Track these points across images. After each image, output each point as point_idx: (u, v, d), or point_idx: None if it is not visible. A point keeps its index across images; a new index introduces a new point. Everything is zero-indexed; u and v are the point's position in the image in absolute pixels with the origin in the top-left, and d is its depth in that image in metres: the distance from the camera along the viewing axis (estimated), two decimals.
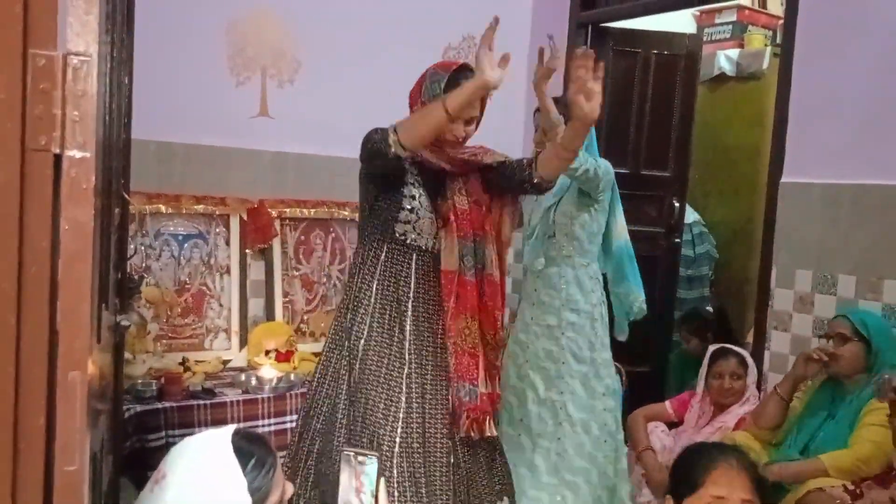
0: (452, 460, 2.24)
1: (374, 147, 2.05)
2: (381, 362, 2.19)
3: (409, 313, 2.22)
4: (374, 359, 2.19)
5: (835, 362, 2.45)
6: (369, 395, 2.17)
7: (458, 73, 2.13)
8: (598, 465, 2.85)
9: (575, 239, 2.89)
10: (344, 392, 2.22)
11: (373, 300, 2.22)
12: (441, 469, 2.21)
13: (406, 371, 2.20)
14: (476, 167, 2.26)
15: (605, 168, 2.84)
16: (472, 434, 2.23)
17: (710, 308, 4.50)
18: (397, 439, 2.16)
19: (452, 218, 2.22)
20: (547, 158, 2.18)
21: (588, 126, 2.04)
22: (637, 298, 3.02)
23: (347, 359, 2.23)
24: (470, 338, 2.22)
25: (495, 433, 2.31)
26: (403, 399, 2.18)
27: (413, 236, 2.22)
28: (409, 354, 2.21)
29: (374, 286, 2.22)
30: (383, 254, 2.23)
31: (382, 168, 2.12)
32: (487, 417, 2.24)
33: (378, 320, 2.22)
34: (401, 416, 2.17)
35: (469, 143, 2.26)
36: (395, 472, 2.12)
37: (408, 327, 2.22)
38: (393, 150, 2.01)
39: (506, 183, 2.26)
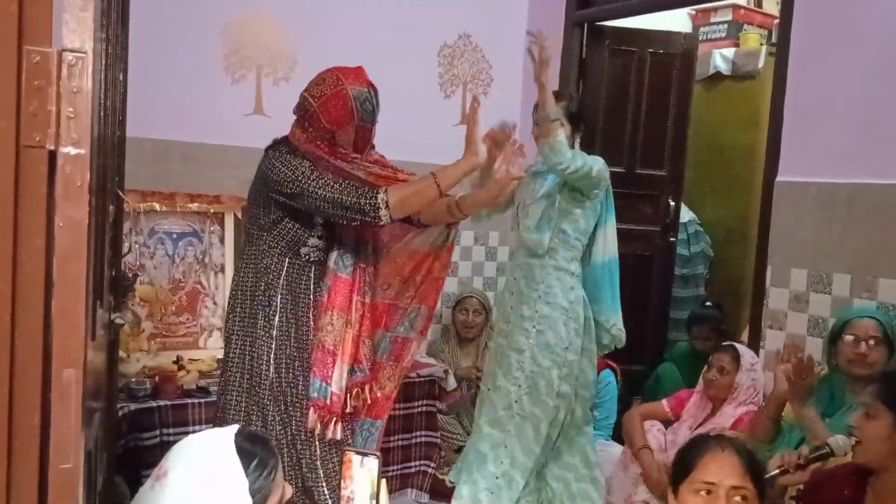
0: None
1: (358, 208, 2.06)
2: (292, 376, 2.22)
3: (311, 327, 2.23)
4: (284, 372, 2.21)
5: (868, 366, 2.42)
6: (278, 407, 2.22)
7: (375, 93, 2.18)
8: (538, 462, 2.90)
9: (561, 231, 2.88)
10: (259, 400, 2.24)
11: (277, 315, 2.21)
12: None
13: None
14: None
15: (600, 167, 2.82)
16: (317, 432, 2.21)
17: (709, 304, 4.47)
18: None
19: (347, 229, 2.26)
20: (437, 205, 2.22)
21: (491, 201, 2.25)
22: (613, 326, 2.96)
23: (263, 371, 2.22)
24: (332, 335, 2.21)
25: (339, 437, 2.25)
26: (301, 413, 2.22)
27: (316, 255, 2.25)
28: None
29: (279, 301, 2.22)
30: (284, 269, 2.22)
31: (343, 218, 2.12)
32: (334, 419, 2.22)
33: (285, 334, 2.22)
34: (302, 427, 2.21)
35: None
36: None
37: (310, 343, 2.23)
38: (383, 222, 2.08)
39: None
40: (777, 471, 2.03)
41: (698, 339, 3.97)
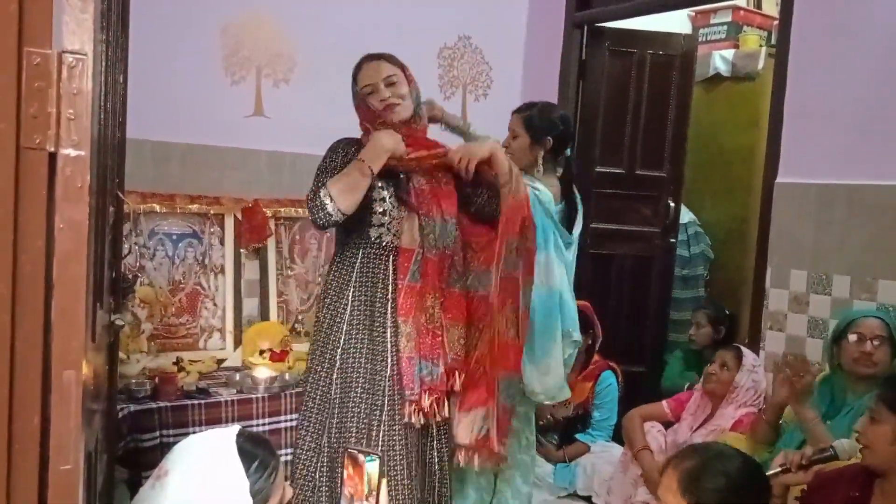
0: (426, 458, 2.26)
1: (315, 218, 2.11)
2: (363, 369, 2.18)
3: (389, 315, 2.20)
4: (354, 366, 2.18)
5: (873, 365, 2.42)
6: (351, 402, 2.17)
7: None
8: None
9: None
10: (328, 400, 2.22)
11: (350, 307, 2.20)
12: (413, 468, 2.21)
13: (388, 374, 2.18)
14: (432, 166, 2.26)
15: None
16: (427, 414, 2.19)
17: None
18: (379, 443, 2.15)
19: (412, 198, 2.21)
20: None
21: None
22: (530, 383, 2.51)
23: (328, 368, 2.22)
24: (434, 317, 2.20)
25: (447, 415, 2.26)
26: (386, 402, 2.17)
27: (388, 238, 2.21)
28: (391, 357, 2.19)
29: (351, 293, 2.21)
30: (359, 259, 2.21)
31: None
32: (444, 397, 2.22)
33: (357, 327, 2.20)
34: (384, 418, 2.16)
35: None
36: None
37: (388, 331, 2.19)
38: (334, 217, 2.09)
39: (480, 210, 2.34)
40: (779, 468, 2.04)
41: (694, 325, 4.00)
